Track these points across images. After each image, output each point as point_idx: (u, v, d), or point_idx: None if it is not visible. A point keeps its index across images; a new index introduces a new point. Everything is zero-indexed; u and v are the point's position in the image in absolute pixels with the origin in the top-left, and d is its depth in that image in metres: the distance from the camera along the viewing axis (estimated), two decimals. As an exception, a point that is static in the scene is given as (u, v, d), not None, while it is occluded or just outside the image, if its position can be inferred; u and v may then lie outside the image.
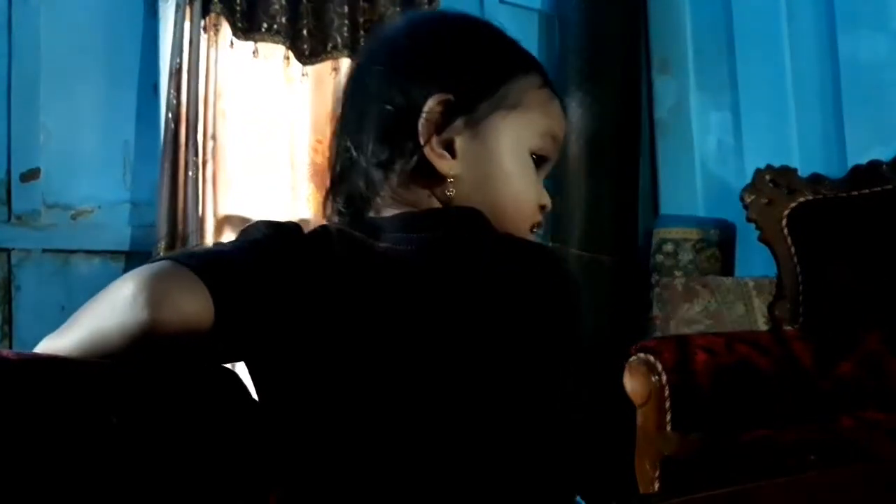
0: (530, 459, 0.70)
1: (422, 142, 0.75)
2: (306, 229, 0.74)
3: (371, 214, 0.78)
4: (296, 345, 0.68)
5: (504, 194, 0.77)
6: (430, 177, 0.76)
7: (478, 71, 0.78)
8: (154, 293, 0.61)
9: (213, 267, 0.64)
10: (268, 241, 0.70)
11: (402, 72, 0.77)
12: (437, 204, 0.76)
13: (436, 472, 0.67)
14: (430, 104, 0.75)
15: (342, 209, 0.79)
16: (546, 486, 0.71)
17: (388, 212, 0.77)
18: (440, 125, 0.75)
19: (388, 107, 0.76)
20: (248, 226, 0.73)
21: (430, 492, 0.67)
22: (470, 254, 0.72)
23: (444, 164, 0.75)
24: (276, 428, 0.69)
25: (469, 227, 0.74)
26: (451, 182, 0.76)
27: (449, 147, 0.76)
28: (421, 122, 0.75)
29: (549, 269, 0.73)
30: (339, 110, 0.82)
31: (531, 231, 0.80)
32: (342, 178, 0.79)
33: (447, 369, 0.68)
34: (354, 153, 0.77)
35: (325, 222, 0.79)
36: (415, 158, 0.75)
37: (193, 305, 0.62)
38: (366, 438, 0.67)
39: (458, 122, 0.76)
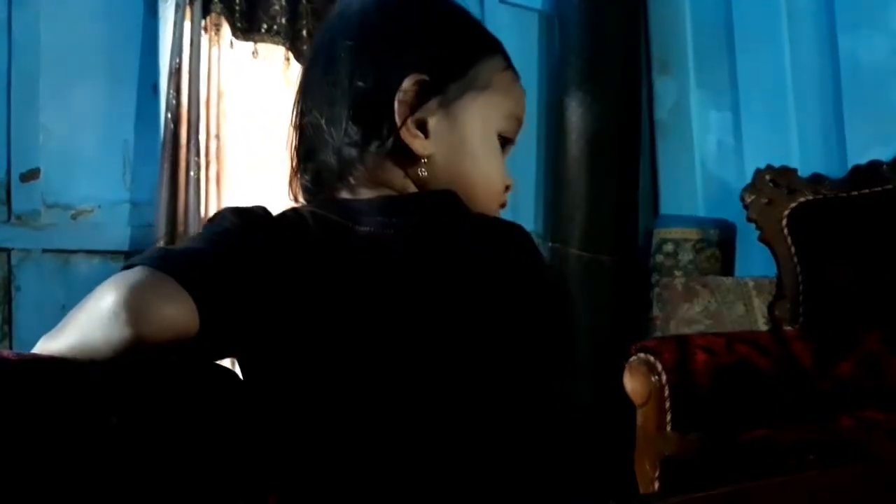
0: (523, 447, 0.70)
1: (398, 122, 0.74)
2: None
3: (345, 195, 0.77)
4: (284, 339, 0.67)
5: (475, 174, 0.78)
6: (405, 157, 0.75)
7: (451, 51, 0.78)
8: (136, 308, 0.59)
9: (192, 270, 0.63)
10: (239, 231, 0.69)
11: (376, 49, 0.76)
12: (410, 184, 0.76)
13: (426, 461, 0.67)
14: (407, 84, 0.75)
15: (309, 186, 0.79)
16: (536, 467, 0.71)
17: (363, 192, 0.76)
18: (414, 105, 0.75)
19: (362, 84, 0.75)
20: (215, 215, 0.72)
21: (422, 478, 0.67)
22: (450, 237, 0.72)
23: (419, 145, 0.75)
24: (274, 427, 0.69)
25: (447, 210, 0.74)
26: (424, 162, 0.76)
27: (422, 127, 0.76)
28: (397, 101, 0.74)
29: (526, 249, 0.74)
30: (304, 82, 0.81)
31: (497, 211, 0.81)
32: (310, 155, 0.78)
33: (437, 357, 0.68)
34: (325, 130, 0.76)
35: (294, 205, 0.78)
36: (391, 139, 0.75)
37: (178, 314, 0.61)
38: (357, 432, 0.67)
39: (432, 103, 0.76)
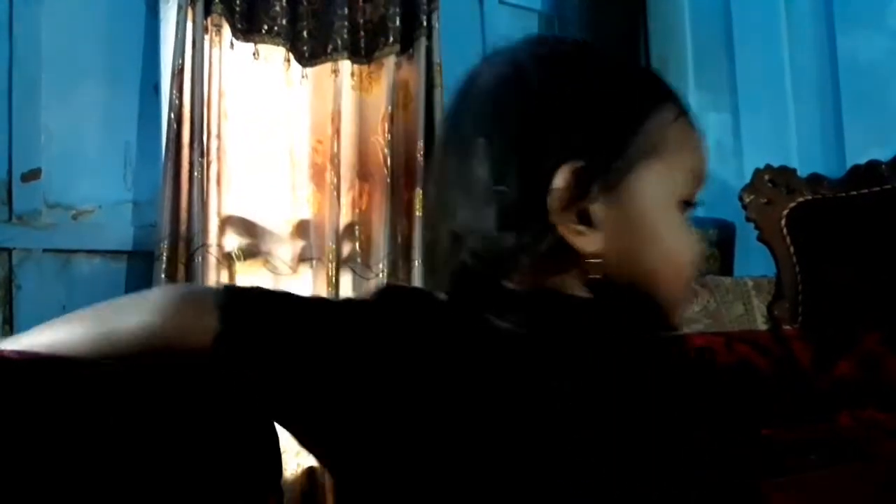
0: None
1: (556, 221, 0.62)
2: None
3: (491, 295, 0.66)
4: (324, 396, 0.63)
5: (658, 263, 0.65)
6: (566, 257, 0.63)
7: (609, 122, 0.64)
8: (164, 303, 0.64)
9: (237, 298, 0.65)
10: (358, 302, 0.67)
11: (520, 139, 0.64)
12: (576, 286, 0.65)
13: None
14: (561, 176, 0.62)
15: (449, 285, 0.68)
16: None
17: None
18: (573, 197, 0.63)
19: (506, 183, 0.63)
20: (377, 286, 0.71)
21: None
22: (598, 356, 0.63)
23: (584, 242, 0.63)
24: (276, 431, 0.69)
25: (605, 324, 0.65)
26: (592, 260, 0.64)
27: (585, 218, 0.63)
28: (551, 198, 0.62)
29: (691, 377, 0.68)
30: (435, 177, 0.70)
31: (688, 297, 0.70)
32: (450, 259, 0.67)
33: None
34: (467, 236, 0.65)
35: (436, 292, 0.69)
36: (547, 241, 0.63)
37: (197, 320, 0.63)
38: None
39: (594, 189, 0.63)
